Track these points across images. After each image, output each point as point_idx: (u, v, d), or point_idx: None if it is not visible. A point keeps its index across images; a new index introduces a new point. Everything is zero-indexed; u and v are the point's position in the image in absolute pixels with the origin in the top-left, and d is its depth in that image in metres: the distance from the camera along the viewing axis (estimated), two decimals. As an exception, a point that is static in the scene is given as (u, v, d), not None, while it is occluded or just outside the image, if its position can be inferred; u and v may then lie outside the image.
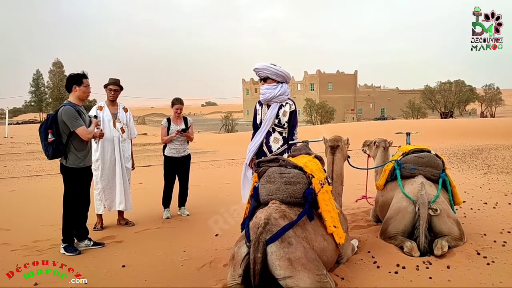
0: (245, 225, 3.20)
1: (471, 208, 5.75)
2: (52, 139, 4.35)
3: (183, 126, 6.09)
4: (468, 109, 78.44)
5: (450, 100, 66.65)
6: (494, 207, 5.81)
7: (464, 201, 5.91)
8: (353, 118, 73.29)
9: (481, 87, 72.41)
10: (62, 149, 4.41)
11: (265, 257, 2.83)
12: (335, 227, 3.38)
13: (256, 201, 3.45)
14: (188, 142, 6.21)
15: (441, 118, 59.63)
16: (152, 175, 11.84)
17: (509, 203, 6.02)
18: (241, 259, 2.93)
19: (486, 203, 6.05)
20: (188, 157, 6.19)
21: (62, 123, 4.37)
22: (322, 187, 3.44)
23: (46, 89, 75.87)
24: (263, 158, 3.87)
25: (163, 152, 6.14)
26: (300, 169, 3.48)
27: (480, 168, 10.65)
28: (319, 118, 61.61)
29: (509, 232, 4.53)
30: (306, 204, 3.30)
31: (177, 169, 6.11)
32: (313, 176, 3.43)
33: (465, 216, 5.28)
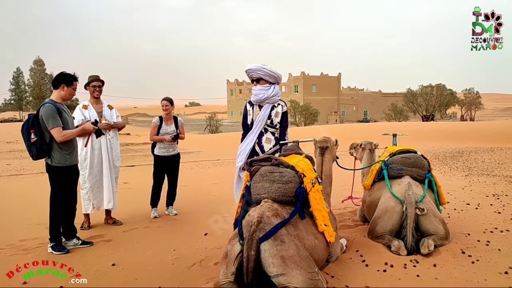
0: (238, 223, 3.22)
1: (455, 209, 5.89)
2: (35, 139, 4.29)
3: (173, 127, 6.06)
4: (448, 112, 79.85)
5: (431, 103, 67.82)
6: (476, 208, 5.96)
7: (448, 202, 6.05)
8: (336, 120, 73.80)
9: (461, 91, 73.82)
10: (46, 149, 4.35)
11: (258, 255, 2.86)
12: (325, 225, 3.43)
13: (248, 200, 3.48)
14: (177, 141, 6.18)
15: (423, 121, 60.66)
16: (137, 174, 11.77)
17: (491, 204, 6.18)
18: (235, 257, 2.96)
19: (468, 204, 6.20)
20: (177, 156, 6.17)
21: (43, 121, 4.32)
22: (313, 186, 3.49)
23: (27, 87, 74.28)
24: (255, 157, 3.90)
25: (152, 151, 6.09)
26: (292, 168, 3.53)
27: (461, 170, 10.88)
28: (303, 120, 61.81)
29: (491, 232, 4.67)
30: (298, 203, 3.35)
31: (166, 168, 6.08)
32: (304, 175, 3.48)
33: (449, 216, 5.41)
